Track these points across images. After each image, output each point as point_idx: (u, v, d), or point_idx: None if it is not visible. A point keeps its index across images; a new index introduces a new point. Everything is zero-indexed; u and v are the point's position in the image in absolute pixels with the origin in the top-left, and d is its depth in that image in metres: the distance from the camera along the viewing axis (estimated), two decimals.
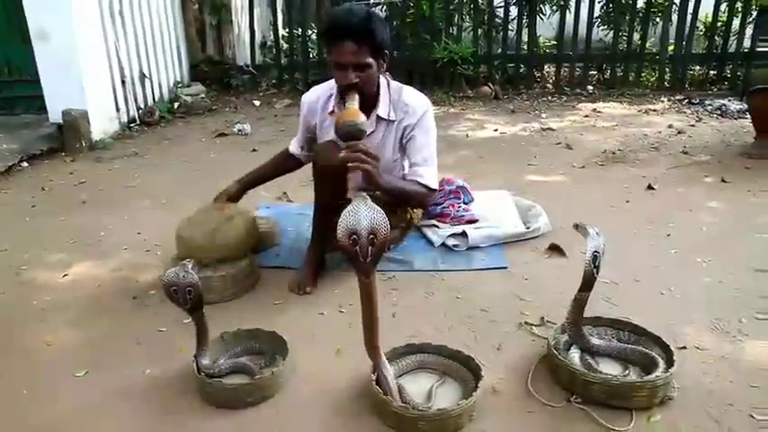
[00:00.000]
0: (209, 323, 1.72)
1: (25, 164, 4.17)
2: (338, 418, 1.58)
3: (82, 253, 2.66)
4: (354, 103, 1.93)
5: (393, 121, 2.23)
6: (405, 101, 2.23)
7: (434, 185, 2.28)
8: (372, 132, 2.21)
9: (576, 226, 1.72)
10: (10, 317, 2.15)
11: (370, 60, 1.99)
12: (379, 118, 2.22)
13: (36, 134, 4.50)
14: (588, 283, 1.67)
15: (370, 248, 1.43)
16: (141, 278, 2.41)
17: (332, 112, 2.23)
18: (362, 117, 1.79)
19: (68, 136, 4.51)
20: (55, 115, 4.57)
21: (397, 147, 2.29)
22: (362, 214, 1.43)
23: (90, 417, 1.61)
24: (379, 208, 1.46)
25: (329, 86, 2.27)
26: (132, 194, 3.53)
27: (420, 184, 2.23)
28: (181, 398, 1.67)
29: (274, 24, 7.26)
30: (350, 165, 1.76)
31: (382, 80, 2.21)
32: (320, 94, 2.32)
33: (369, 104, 2.14)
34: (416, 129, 2.22)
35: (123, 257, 2.62)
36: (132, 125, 5.30)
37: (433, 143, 2.29)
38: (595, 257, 1.65)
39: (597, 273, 1.66)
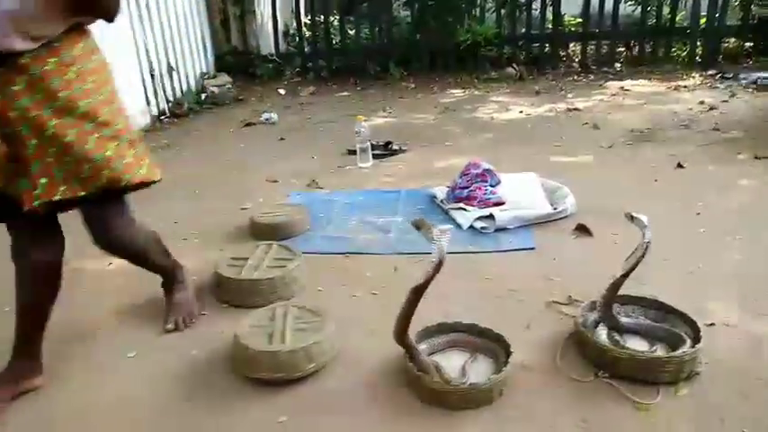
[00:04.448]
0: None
1: None
2: (374, 395, 1.66)
3: None
4: None
5: None
6: None
7: None
8: None
9: (632, 217, 1.73)
10: (61, 304, 2.27)
11: None
12: None
13: None
14: (633, 269, 1.72)
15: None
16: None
17: None
18: None
19: None
20: None
21: None
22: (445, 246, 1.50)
23: (145, 392, 1.73)
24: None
25: None
26: (167, 186, 3.56)
27: None
28: (224, 377, 1.76)
29: (296, 12, 7.30)
30: None
31: None
32: None
33: None
34: None
35: None
36: (162, 118, 5.43)
37: None
38: (647, 247, 1.69)
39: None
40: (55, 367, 1.82)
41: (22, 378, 1.73)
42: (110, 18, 1.55)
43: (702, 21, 6.31)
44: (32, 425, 1.63)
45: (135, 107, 4.99)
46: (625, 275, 1.72)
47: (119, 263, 2.58)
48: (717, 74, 5.79)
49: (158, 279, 2.39)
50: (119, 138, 1.58)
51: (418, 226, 1.56)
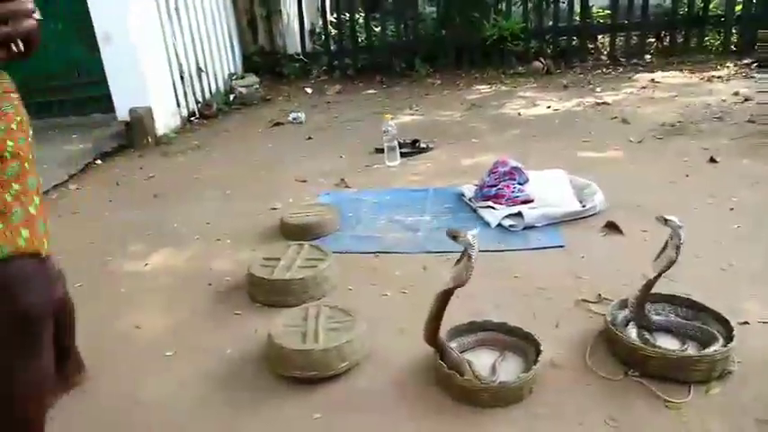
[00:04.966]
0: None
1: (99, 161, 4.46)
2: (403, 393, 1.69)
3: (159, 243, 2.87)
4: None
5: None
6: None
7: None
8: None
9: (665, 220, 1.71)
10: (102, 304, 2.37)
11: None
12: None
13: (106, 133, 4.78)
14: (667, 270, 1.72)
15: None
16: (214, 265, 2.59)
17: None
18: None
19: (135, 133, 4.79)
20: (122, 113, 4.85)
21: None
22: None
23: (182, 390, 1.79)
24: None
25: None
26: (198, 186, 3.74)
27: None
28: (259, 375, 1.82)
29: (322, 11, 7.35)
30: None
31: None
32: None
33: None
34: None
35: (196, 247, 2.81)
36: (192, 119, 5.54)
37: None
38: (680, 248, 1.68)
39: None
40: (94, 366, 1.89)
41: (62, 377, 1.76)
42: (27, 58, 1.22)
43: (738, 8, 6.13)
44: (72, 423, 1.70)
45: (165, 109, 5.12)
46: (658, 276, 1.72)
47: (155, 263, 2.68)
48: (753, 63, 5.62)
49: (199, 278, 2.45)
50: (40, 194, 1.25)
51: (454, 236, 1.59)
